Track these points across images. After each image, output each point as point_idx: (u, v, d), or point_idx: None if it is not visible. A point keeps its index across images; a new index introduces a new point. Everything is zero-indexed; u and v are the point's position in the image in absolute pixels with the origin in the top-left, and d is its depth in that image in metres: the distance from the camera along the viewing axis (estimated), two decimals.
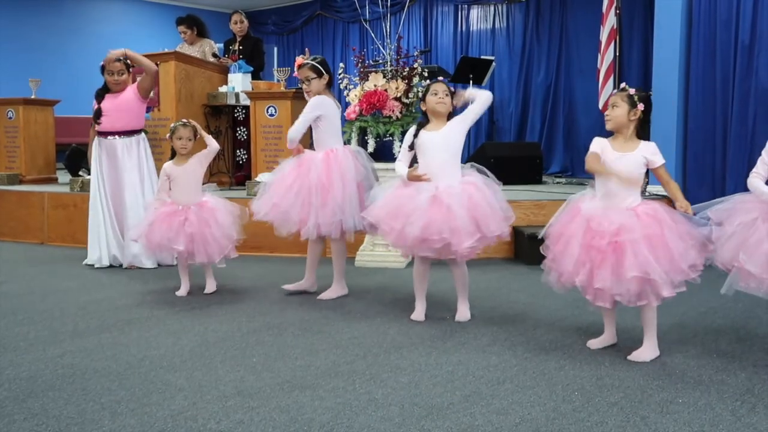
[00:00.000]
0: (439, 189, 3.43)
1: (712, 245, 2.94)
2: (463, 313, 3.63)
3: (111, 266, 5.06)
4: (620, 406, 2.48)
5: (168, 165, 4.21)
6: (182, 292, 4.22)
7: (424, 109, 3.64)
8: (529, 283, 4.48)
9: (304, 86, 4.05)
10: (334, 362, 2.96)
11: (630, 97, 3.02)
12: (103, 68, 5.07)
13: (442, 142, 3.52)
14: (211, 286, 4.25)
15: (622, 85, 3.13)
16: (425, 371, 2.84)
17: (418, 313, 3.66)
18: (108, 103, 5.06)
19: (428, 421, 2.35)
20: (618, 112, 3.04)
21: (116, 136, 5.05)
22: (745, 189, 3.16)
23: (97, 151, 5.11)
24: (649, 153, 3.03)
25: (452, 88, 3.63)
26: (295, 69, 4.09)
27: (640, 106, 3.01)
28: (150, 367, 2.90)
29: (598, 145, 3.09)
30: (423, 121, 3.65)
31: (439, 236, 3.34)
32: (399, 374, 2.81)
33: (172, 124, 4.23)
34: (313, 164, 3.92)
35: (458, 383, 2.71)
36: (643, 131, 3.08)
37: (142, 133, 5.20)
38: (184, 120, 4.27)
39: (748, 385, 2.67)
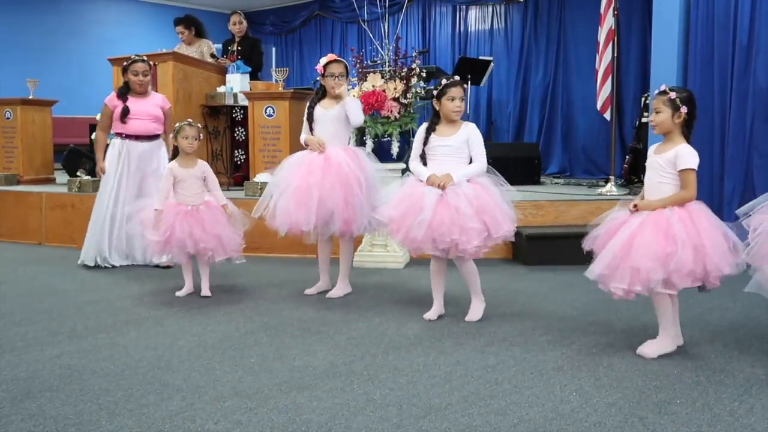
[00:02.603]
0: (446, 189, 3.44)
1: (743, 253, 2.91)
2: (475, 311, 3.62)
3: (97, 266, 5.02)
4: (618, 407, 2.48)
5: (173, 165, 4.19)
6: (183, 292, 4.22)
7: (437, 108, 3.59)
8: (528, 283, 4.49)
9: (333, 81, 4.03)
10: (332, 363, 2.96)
11: (672, 101, 2.98)
12: (125, 68, 4.91)
13: (454, 148, 3.54)
14: (206, 290, 4.22)
15: (662, 87, 3.05)
16: (423, 372, 2.84)
17: (432, 312, 3.66)
18: (135, 105, 4.91)
19: (426, 422, 2.35)
20: (662, 117, 3.00)
21: (147, 140, 4.94)
22: (744, 189, 3.16)
23: (120, 152, 4.92)
24: (674, 154, 2.98)
25: (465, 87, 3.61)
26: (325, 61, 4.06)
27: (683, 109, 2.97)
28: (148, 368, 2.89)
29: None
30: (434, 122, 3.60)
31: (449, 236, 3.36)
32: (397, 375, 2.81)
33: (177, 124, 4.23)
34: (336, 163, 3.93)
35: (456, 384, 2.71)
36: (687, 131, 3.04)
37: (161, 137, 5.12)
38: (190, 120, 4.29)
39: (746, 386, 2.67)
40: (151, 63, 5.00)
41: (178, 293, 4.21)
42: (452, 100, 3.52)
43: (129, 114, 4.86)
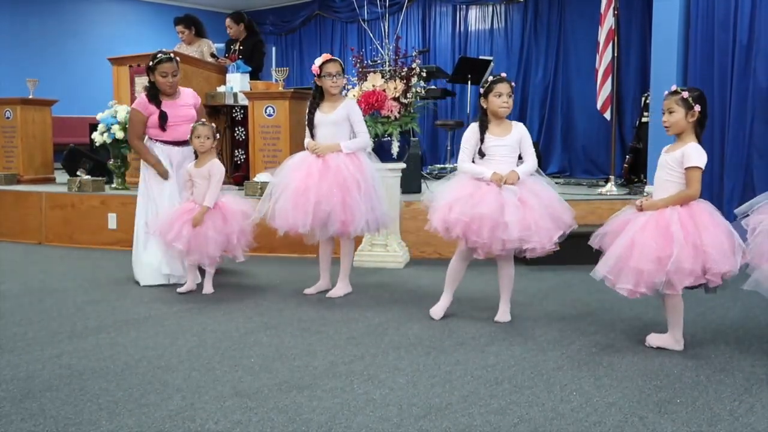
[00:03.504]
0: (522, 190, 3.42)
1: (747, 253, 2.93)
2: (504, 314, 3.62)
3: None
4: (618, 406, 2.48)
5: (190, 165, 4.31)
6: (185, 289, 4.24)
7: (484, 106, 3.54)
8: (527, 283, 4.48)
9: (331, 80, 4.03)
10: (332, 362, 2.96)
11: (684, 100, 2.99)
12: (151, 69, 4.41)
13: (510, 148, 3.53)
14: (208, 288, 4.25)
15: (673, 87, 3.07)
16: (423, 371, 2.84)
17: (438, 309, 3.66)
18: (170, 109, 4.43)
19: (426, 422, 2.35)
20: (676, 117, 3.02)
21: (186, 145, 4.43)
22: (744, 189, 3.17)
23: (169, 160, 4.47)
24: (682, 152, 3.00)
25: (513, 84, 3.58)
26: (320, 62, 4.05)
27: (697, 108, 2.99)
28: (148, 368, 2.89)
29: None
30: (484, 120, 3.55)
31: (536, 237, 3.35)
32: (397, 374, 2.81)
33: (191, 124, 4.31)
34: (335, 165, 3.94)
35: (456, 383, 2.71)
36: (700, 130, 3.07)
37: None
38: (203, 120, 4.34)
39: (746, 385, 2.68)
40: (178, 59, 4.50)
41: (180, 290, 4.21)
42: (499, 95, 3.48)
43: (168, 121, 4.42)
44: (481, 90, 3.55)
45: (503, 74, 3.58)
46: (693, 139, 3.04)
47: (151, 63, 4.43)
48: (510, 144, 3.53)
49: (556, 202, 3.48)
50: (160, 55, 4.46)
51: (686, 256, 2.86)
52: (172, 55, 4.51)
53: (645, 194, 3.23)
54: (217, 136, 4.32)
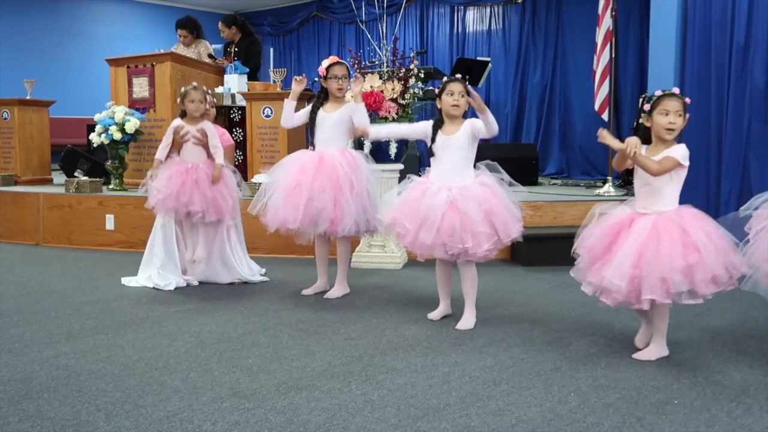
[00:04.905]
0: (454, 192, 3.43)
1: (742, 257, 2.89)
2: (467, 321, 3.53)
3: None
4: (616, 407, 2.48)
5: (178, 121, 4.29)
6: (189, 255, 4.32)
7: (439, 106, 3.60)
8: (526, 284, 4.49)
9: (337, 83, 4.04)
10: (330, 363, 2.96)
11: (686, 106, 2.97)
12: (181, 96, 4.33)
13: (457, 146, 3.53)
14: (200, 252, 4.31)
15: (676, 90, 3.00)
16: (421, 372, 2.84)
17: (437, 313, 3.67)
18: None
19: (424, 422, 2.35)
20: (681, 122, 2.95)
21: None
22: (741, 191, 3.15)
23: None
24: (670, 151, 2.93)
25: (468, 86, 3.59)
26: (327, 64, 4.06)
27: (688, 115, 2.98)
28: (145, 369, 2.89)
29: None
30: (439, 120, 3.61)
31: (460, 242, 3.36)
32: (395, 375, 2.81)
33: (183, 88, 4.31)
34: (330, 164, 3.95)
35: (454, 384, 2.71)
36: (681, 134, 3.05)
37: None
38: (195, 83, 4.35)
39: (743, 386, 2.68)
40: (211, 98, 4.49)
41: (186, 256, 4.37)
42: (451, 94, 3.51)
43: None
44: (436, 90, 3.62)
45: (458, 75, 3.62)
46: (675, 144, 2.98)
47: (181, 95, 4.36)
48: (456, 143, 3.53)
49: (504, 210, 3.44)
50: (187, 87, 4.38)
51: (712, 263, 2.79)
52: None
53: None
54: (209, 98, 4.36)
